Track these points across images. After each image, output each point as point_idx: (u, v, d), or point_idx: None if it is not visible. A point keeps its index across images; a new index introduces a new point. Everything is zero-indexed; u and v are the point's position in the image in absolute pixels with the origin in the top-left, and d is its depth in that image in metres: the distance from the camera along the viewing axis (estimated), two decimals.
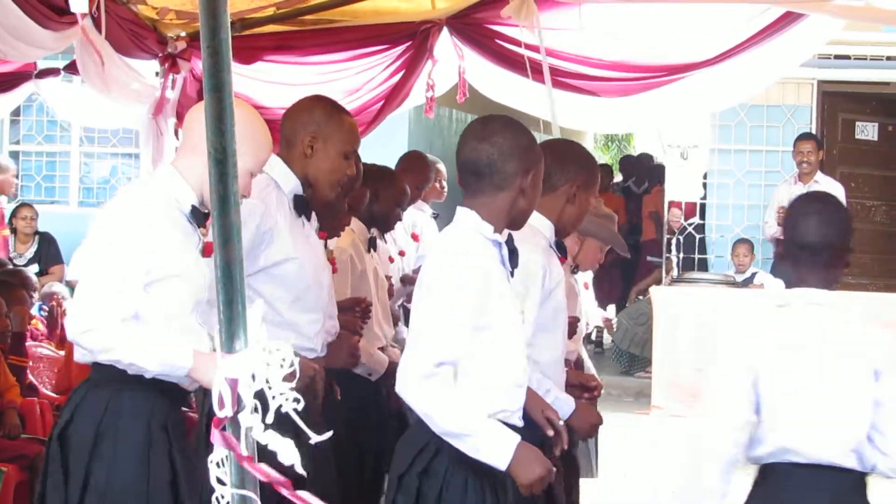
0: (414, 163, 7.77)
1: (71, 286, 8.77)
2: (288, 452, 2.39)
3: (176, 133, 6.88)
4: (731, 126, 12.82)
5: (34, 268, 10.69)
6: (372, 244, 5.98)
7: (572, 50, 6.23)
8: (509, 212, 3.71)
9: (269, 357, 2.48)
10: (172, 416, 3.82)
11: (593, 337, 13.30)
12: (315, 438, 2.53)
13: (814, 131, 12.34)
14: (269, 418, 2.47)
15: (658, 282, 12.79)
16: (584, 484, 7.22)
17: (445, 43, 6.48)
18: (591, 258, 5.68)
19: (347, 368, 4.92)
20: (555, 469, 3.66)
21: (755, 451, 3.89)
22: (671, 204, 13.48)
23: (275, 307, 4.24)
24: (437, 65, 6.54)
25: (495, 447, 3.52)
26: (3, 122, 13.38)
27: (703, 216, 13.34)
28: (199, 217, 3.84)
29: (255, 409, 2.45)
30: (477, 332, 3.56)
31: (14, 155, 14.37)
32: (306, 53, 6.69)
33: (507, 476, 3.59)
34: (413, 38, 6.49)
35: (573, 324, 5.07)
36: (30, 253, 11.50)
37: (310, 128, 4.40)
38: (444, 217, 8.10)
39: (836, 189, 11.26)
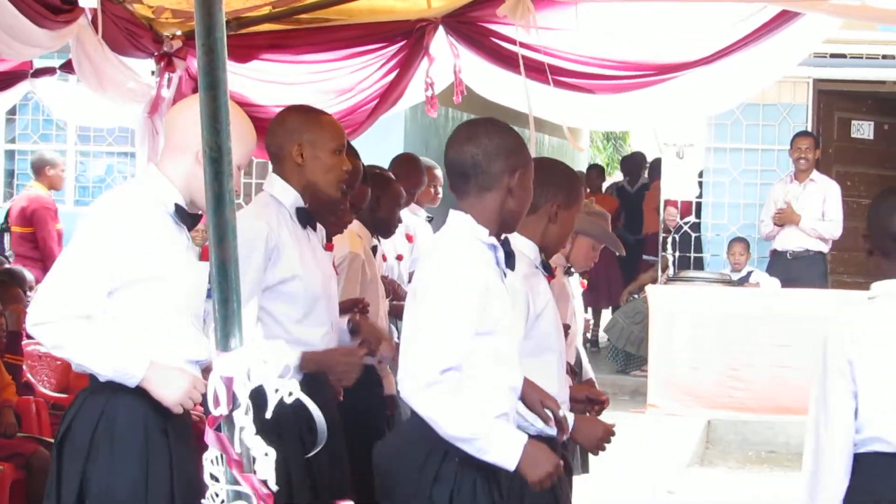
0: (407, 166, 7.74)
1: None
2: (265, 466, 2.41)
3: None
4: (726, 125, 12.83)
5: None
6: (374, 251, 6.01)
7: (568, 48, 6.22)
8: (499, 213, 3.72)
9: (264, 355, 2.48)
10: (173, 420, 3.78)
11: (589, 336, 13.29)
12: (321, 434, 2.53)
13: (810, 130, 12.36)
14: (269, 413, 2.48)
15: (652, 280, 12.80)
16: (579, 482, 7.23)
17: (441, 42, 6.47)
18: (583, 257, 5.68)
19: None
20: (562, 462, 3.68)
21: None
22: (667, 202, 13.48)
23: (283, 325, 4.25)
24: (434, 63, 6.54)
25: (504, 448, 3.54)
26: None
27: (698, 215, 13.35)
28: (184, 217, 3.82)
29: (248, 411, 2.45)
30: (479, 337, 3.58)
31: (10, 154, 14.38)
32: (301, 52, 6.68)
33: (515, 475, 3.61)
34: (408, 36, 6.48)
35: (565, 331, 5.08)
36: None
37: (293, 137, 4.41)
38: (438, 221, 8.12)
39: (832, 187, 11.28)
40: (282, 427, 3.31)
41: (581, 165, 17.66)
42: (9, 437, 6.40)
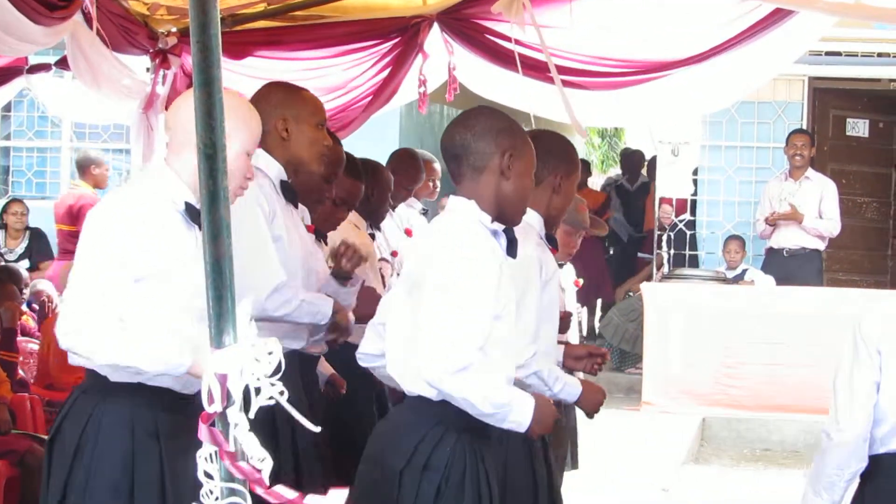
0: (405, 160, 7.75)
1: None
2: (261, 464, 2.41)
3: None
4: (721, 122, 12.82)
5: (25, 263, 10.70)
6: (372, 239, 6.03)
7: (562, 45, 6.22)
8: (495, 197, 3.73)
9: (257, 352, 2.48)
10: (166, 423, 3.72)
11: (584, 332, 13.28)
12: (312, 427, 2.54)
13: (805, 128, 12.36)
14: (252, 414, 2.48)
15: (647, 278, 12.81)
16: (572, 479, 7.24)
17: (436, 39, 6.48)
18: (563, 245, 5.69)
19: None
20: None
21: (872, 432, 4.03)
22: (662, 200, 13.48)
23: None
24: (428, 60, 6.54)
25: (520, 414, 3.64)
26: None
27: (693, 213, 13.35)
28: (194, 214, 3.74)
29: (241, 407, 2.46)
30: (496, 319, 3.63)
31: (5, 150, 14.35)
32: (296, 49, 6.69)
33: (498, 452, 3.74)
34: (403, 33, 6.49)
35: (566, 318, 5.13)
36: (20, 248, 11.50)
37: (277, 112, 4.45)
38: (430, 213, 8.11)
39: (828, 185, 11.28)
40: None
41: None
42: (3, 434, 6.40)
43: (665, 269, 12.93)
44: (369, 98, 6.71)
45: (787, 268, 11.05)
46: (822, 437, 4.07)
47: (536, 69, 6.21)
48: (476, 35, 6.37)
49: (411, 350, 3.63)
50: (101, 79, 6.36)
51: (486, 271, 3.60)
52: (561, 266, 5.80)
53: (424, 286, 3.65)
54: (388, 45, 6.55)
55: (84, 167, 11.24)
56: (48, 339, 7.28)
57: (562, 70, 6.25)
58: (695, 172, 13.38)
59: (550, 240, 4.53)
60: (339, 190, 5.29)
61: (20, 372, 7.26)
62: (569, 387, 4.45)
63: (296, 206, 4.57)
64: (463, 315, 3.55)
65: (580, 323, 9.62)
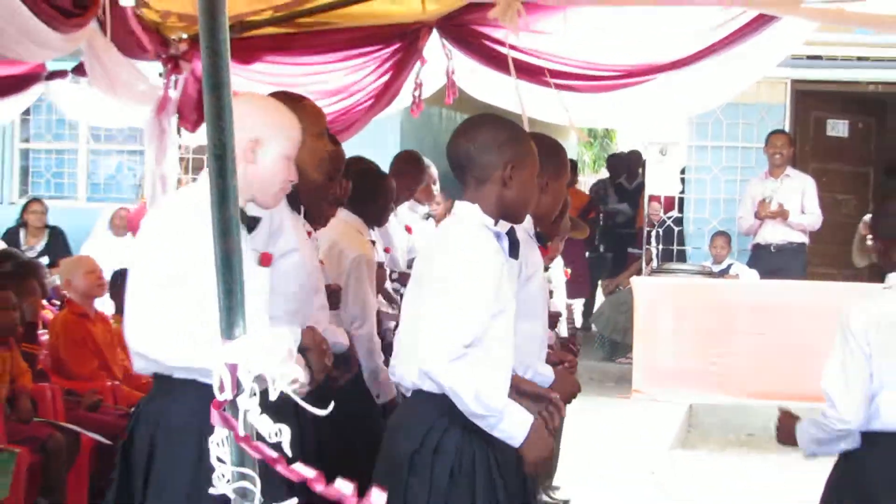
0: (408, 163, 7.74)
1: None
2: (276, 432, 2.40)
3: (178, 131, 6.88)
4: (707, 124, 12.83)
5: (44, 260, 10.70)
6: (372, 244, 6.02)
7: (556, 50, 6.23)
8: (498, 203, 3.74)
9: (267, 342, 2.49)
10: None
11: (576, 324, 13.30)
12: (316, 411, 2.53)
13: (787, 129, 12.37)
14: (273, 396, 2.48)
15: (637, 272, 12.81)
16: (566, 463, 7.26)
17: (435, 44, 6.48)
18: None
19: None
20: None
21: None
22: (651, 198, 13.49)
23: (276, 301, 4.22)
24: (427, 66, 6.54)
25: (513, 426, 3.60)
26: (14, 121, 13.35)
27: (681, 210, 13.36)
28: (246, 220, 3.68)
29: (253, 393, 2.46)
30: (493, 318, 3.63)
31: (25, 153, 14.35)
32: (302, 54, 6.69)
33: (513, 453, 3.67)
34: (403, 39, 6.49)
35: (554, 317, 5.13)
36: (40, 246, 11.51)
37: None
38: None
39: (809, 182, 11.29)
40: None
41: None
42: (26, 422, 6.40)
43: (654, 263, 12.93)
44: (371, 101, 6.71)
45: (775, 262, 11.05)
46: (822, 421, 4.12)
47: (531, 73, 6.21)
48: (473, 41, 6.38)
49: (414, 344, 3.64)
50: (115, 84, 6.36)
51: (485, 271, 3.60)
52: (547, 269, 5.80)
53: (426, 283, 3.67)
54: (389, 50, 6.55)
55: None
56: (59, 330, 7.28)
57: (555, 74, 6.26)
58: (682, 171, 13.38)
59: (541, 237, 4.57)
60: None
61: (41, 363, 7.25)
62: (540, 376, 4.37)
63: (298, 213, 4.52)
64: (457, 310, 3.55)
65: (571, 314, 9.64)
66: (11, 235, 11.63)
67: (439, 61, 6.56)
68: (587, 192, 15.78)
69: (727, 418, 10.02)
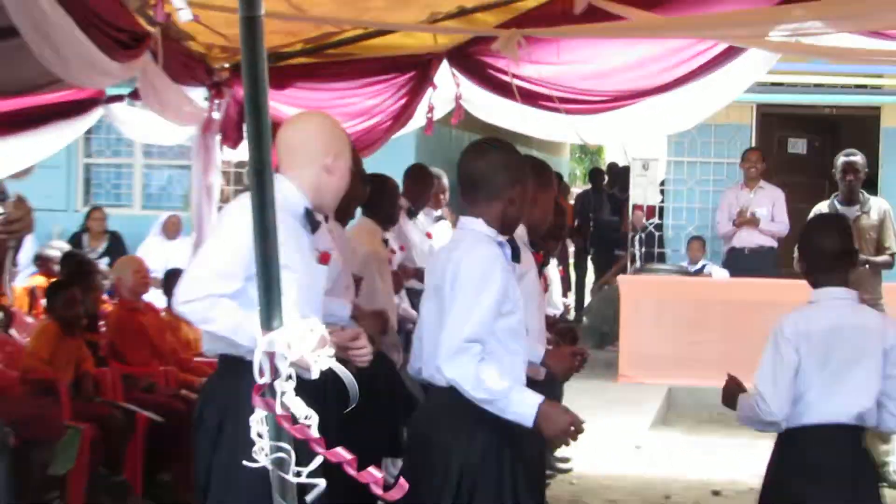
0: (419, 174, 7.77)
1: None
2: (307, 416, 2.39)
3: (221, 148, 6.90)
4: (684, 142, 12.85)
5: (105, 260, 10.72)
6: (385, 243, 6.03)
7: (551, 77, 6.23)
8: (502, 218, 3.74)
9: (303, 333, 2.49)
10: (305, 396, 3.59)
11: (571, 318, 13.29)
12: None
13: (754, 146, 12.34)
14: (315, 374, 2.46)
15: (623, 272, 12.82)
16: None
17: (445, 72, 6.48)
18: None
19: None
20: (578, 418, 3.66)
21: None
22: (635, 207, 13.51)
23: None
24: (438, 91, 6.55)
25: (520, 407, 3.52)
26: (79, 139, 13.37)
27: (661, 217, 13.36)
28: (311, 219, 3.65)
29: (290, 377, 2.46)
30: (501, 317, 3.60)
31: (87, 167, 14.39)
32: (329, 81, 6.69)
33: (535, 443, 3.67)
34: (417, 68, 6.49)
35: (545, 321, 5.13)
36: (101, 248, 11.54)
37: None
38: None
39: (778, 193, 11.25)
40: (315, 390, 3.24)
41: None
42: (89, 402, 6.42)
43: (637, 264, 12.94)
44: (390, 122, 6.71)
45: (749, 263, 11.02)
46: (755, 408, 4.08)
47: (530, 97, 6.22)
48: (479, 69, 6.38)
49: (434, 345, 3.61)
50: (166, 107, 6.36)
51: (492, 277, 3.58)
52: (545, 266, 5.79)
53: (444, 289, 3.64)
54: (405, 77, 6.55)
55: None
56: (113, 322, 7.29)
57: (551, 98, 6.25)
58: (662, 183, 13.39)
59: (534, 244, 4.63)
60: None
61: (103, 349, 7.27)
62: (532, 351, 4.26)
63: (313, 232, 4.47)
64: (463, 310, 3.53)
65: (567, 306, 9.65)
66: (76, 239, 11.66)
67: (449, 87, 6.56)
68: (571, 203, 15.73)
69: (701, 399, 9.99)
